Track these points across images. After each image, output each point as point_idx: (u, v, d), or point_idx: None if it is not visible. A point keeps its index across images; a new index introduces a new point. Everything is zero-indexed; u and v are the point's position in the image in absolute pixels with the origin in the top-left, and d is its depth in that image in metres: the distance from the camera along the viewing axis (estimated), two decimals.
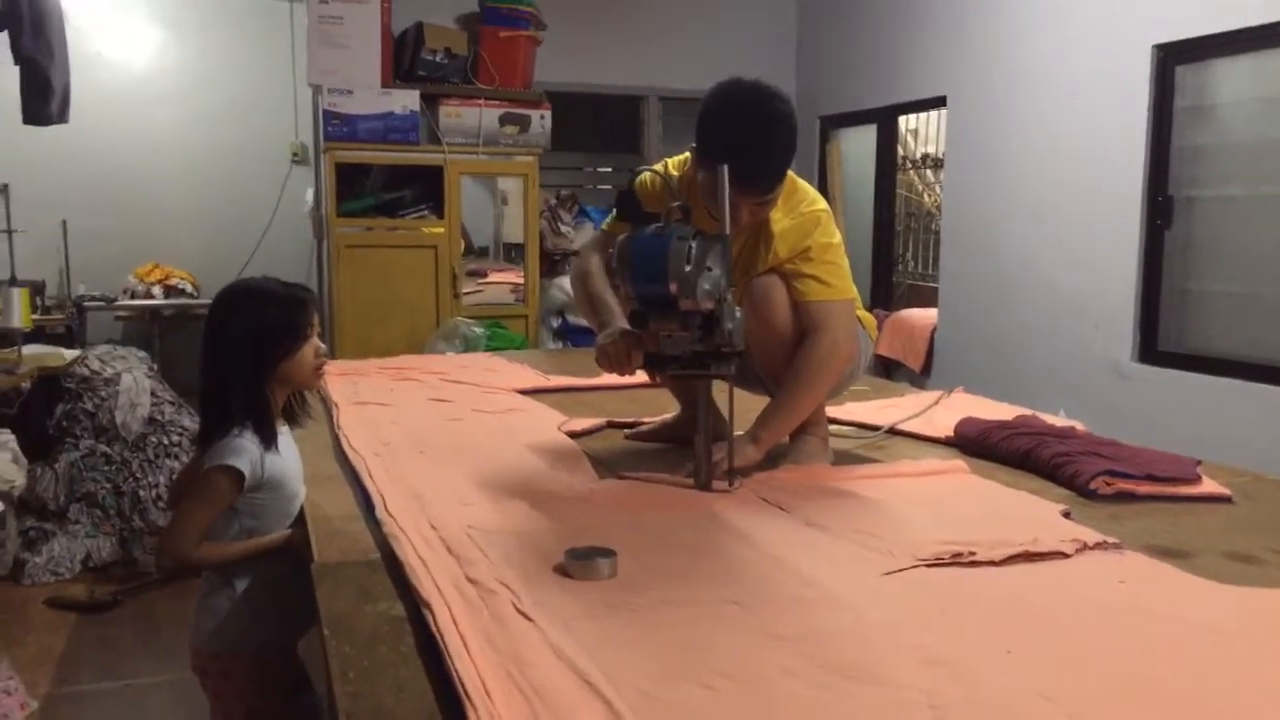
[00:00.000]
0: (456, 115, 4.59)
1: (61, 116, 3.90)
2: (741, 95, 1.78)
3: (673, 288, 1.57)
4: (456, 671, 0.97)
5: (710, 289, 1.58)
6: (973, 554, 1.40)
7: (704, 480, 1.73)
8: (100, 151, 5.46)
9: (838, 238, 1.94)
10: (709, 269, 1.58)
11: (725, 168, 1.64)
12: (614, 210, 2.09)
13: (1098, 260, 4.18)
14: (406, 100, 4.49)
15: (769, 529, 1.53)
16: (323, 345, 1.75)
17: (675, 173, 1.96)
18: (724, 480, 1.74)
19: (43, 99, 3.73)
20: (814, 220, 1.90)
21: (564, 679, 0.97)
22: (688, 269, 1.56)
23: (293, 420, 1.81)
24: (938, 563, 1.37)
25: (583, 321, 4.92)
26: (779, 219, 1.88)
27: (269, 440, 1.65)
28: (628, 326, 1.80)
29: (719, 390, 1.79)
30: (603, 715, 0.90)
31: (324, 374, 1.78)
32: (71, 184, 5.36)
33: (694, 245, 1.57)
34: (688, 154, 1.99)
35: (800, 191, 1.92)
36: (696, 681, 0.99)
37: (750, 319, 1.81)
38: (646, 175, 1.88)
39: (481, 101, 4.64)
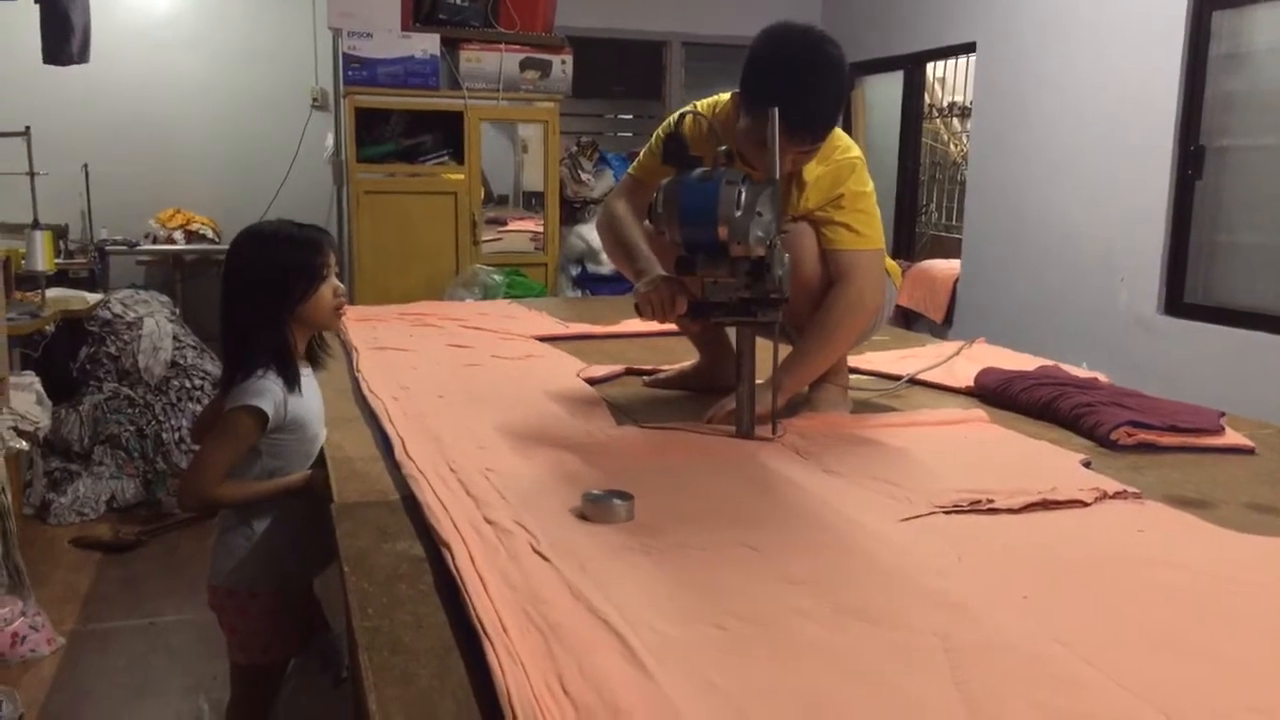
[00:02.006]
0: (477, 60, 4.54)
1: (82, 56, 3.87)
2: (794, 40, 1.73)
3: (722, 232, 1.54)
4: (474, 608, 0.98)
5: (762, 234, 1.56)
6: (991, 502, 1.39)
7: (746, 428, 1.71)
8: (121, 96, 5.46)
9: (870, 186, 1.91)
10: (759, 214, 1.55)
11: (775, 111, 1.60)
12: (642, 156, 2.06)
13: (1125, 211, 4.12)
14: (427, 44, 4.44)
15: (786, 475, 1.52)
16: (341, 285, 1.74)
17: (708, 115, 1.92)
18: (767, 427, 1.72)
19: (62, 38, 3.70)
20: (849, 167, 1.86)
21: (580, 617, 0.97)
22: (738, 214, 1.53)
23: (315, 362, 1.82)
24: (956, 510, 1.37)
25: (602, 270, 4.91)
26: (812, 166, 1.85)
27: (292, 381, 1.65)
28: (665, 273, 1.78)
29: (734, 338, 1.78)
30: (618, 652, 0.90)
31: (344, 315, 1.78)
32: (92, 128, 5.37)
33: (744, 190, 1.54)
34: (719, 98, 1.95)
35: (835, 138, 1.88)
36: (711, 622, 0.99)
37: None
38: (690, 118, 1.84)
39: (502, 46, 4.58)
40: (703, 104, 1.96)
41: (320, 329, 1.78)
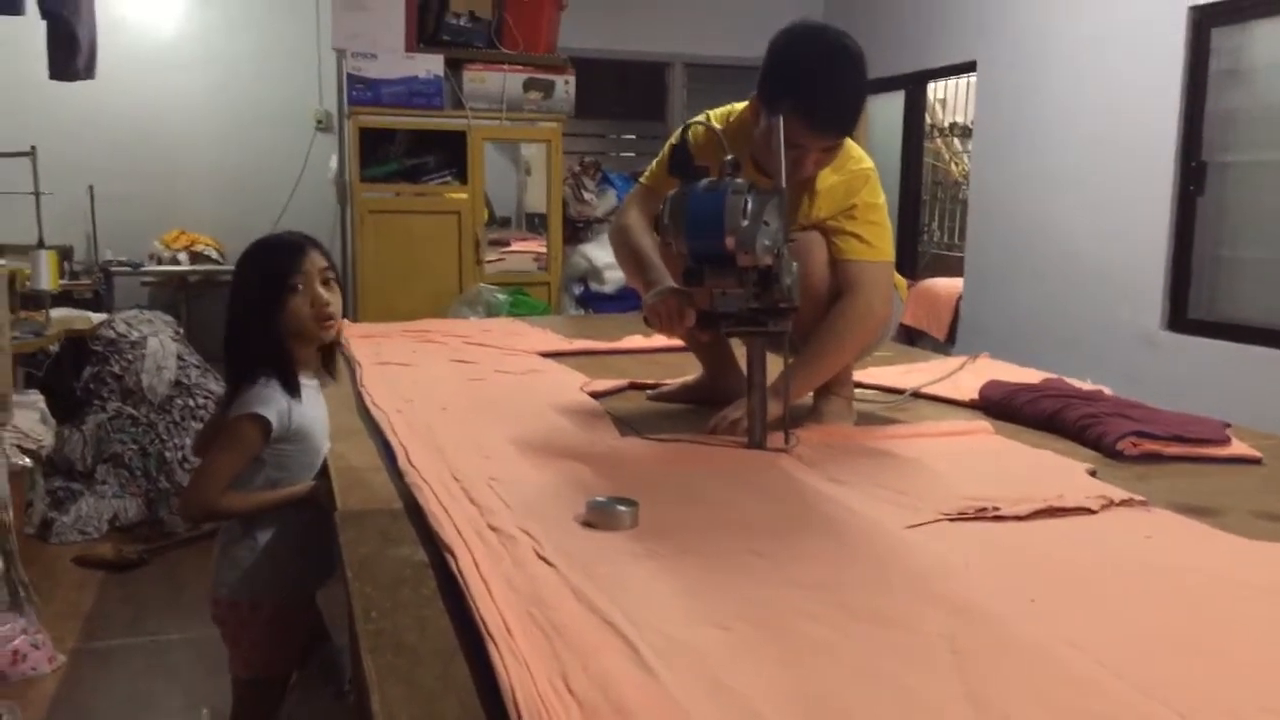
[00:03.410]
0: (480, 80, 4.57)
1: (88, 72, 3.90)
2: (816, 35, 1.73)
3: (729, 242, 1.53)
4: (478, 610, 0.97)
5: (769, 244, 1.55)
6: (997, 509, 1.38)
7: (759, 439, 1.70)
8: (125, 116, 5.49)
9: (883, 199, 1.90)
10: (766, 223, 1.54)
11: (781, 119, 1.60)
12: (653, 165, 2.06)
13: (1128, 228, 4.12)
14: (430, 65, 4.46)
15: (791, 484, 1.52)
16: (323, 295, 1.69)
17: (718, 125, 1.91)
18: (778, 437, 1.71)
19: (69, 54, 3.73)
20: (863, 178, 1.86)
21: (585, 620, 0.97)
22: (745, 223, 1.52)
23: (330, 372, 1.81)
24: (961, 517, 1.36)
25: (605, 289, 4.92)
26: (827, 174, 1.84)
27: (293, 390, 1.65)
28: (674, 285, 1.77)
29: (737, 347, 1.76)
30: (623, 654, 0.89)
31: (332, 326, 1.72)
32: (97, 148, 5.40)
33: (750, 199, 1.53)
34: (733, 107, 1.95)
35: (849, 148, 1.87)
36: (716, 625, 0.98)
37: None
38: (696, 128, 1.83)
39: (505, 66, 4.61)
40: (715, 113, 1.96)
41: (307, 340, 1.72)
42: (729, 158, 1.61)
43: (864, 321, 1.86)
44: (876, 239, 1.86)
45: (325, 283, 1.68)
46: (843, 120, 1.72)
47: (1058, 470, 1.64)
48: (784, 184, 1.59)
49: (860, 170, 1.86)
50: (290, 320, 1.66)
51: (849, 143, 1.87)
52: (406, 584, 1.11)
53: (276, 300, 1.64)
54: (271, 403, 1.61)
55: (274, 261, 1.67)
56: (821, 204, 1.85)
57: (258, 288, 1.66)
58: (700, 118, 1.91)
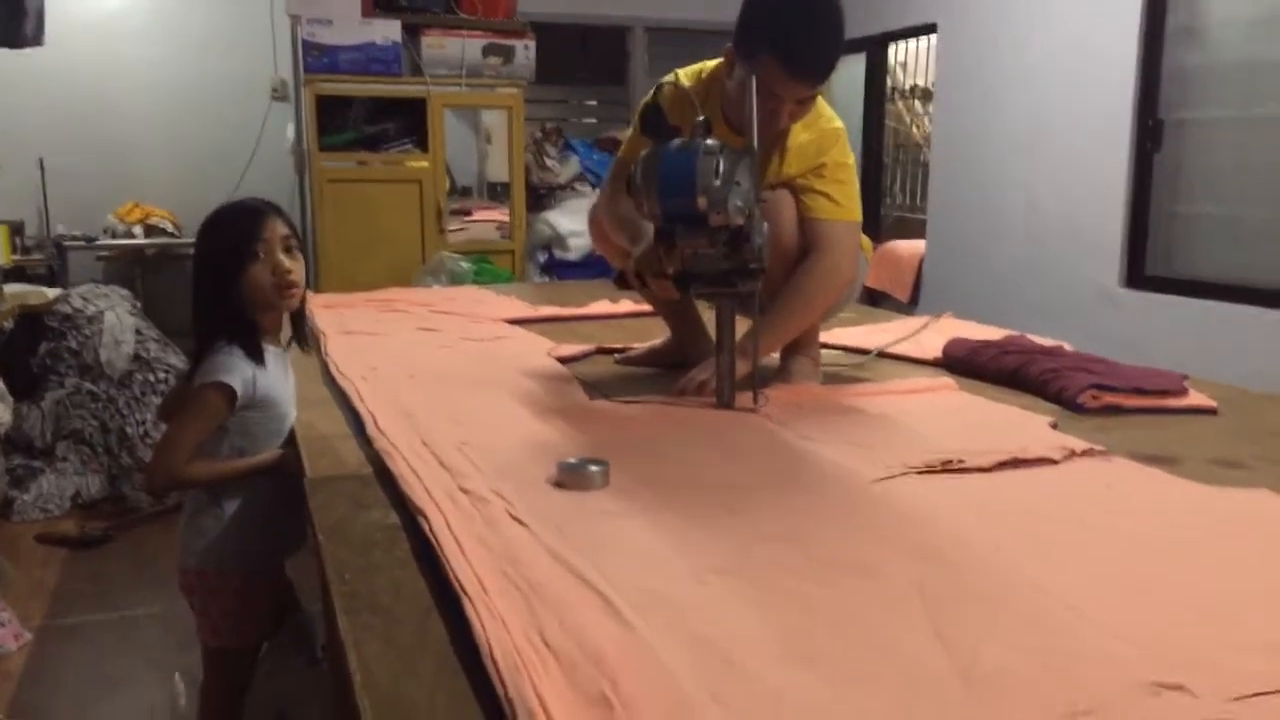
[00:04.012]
0: (439, 46, 4.51)
1: (36, 39, 3.80)
2: None
3: (701, 203, 1.53)
4: (452, 570, 0.97)
5: (741, 204, 1.55)
6: (962, 462, 1.40)
7: (727, 399, 1.71)
8: (76, 87, 5.37)
9: (852, 159, 1.91)
10: (738, 183, 1.54)
11: (753, 79, 1.59)
12: (628, 134, 2.05)
13: (1086, 186, 4.17)
14: (387, 30, 4.40)
15: (759, 442, 1.53)
16: (284, 263, 1.65)
17: (687, 84, 1.89)
18: (746, 397, 1.71)
19: (15, 19, 3.63)
20: (833, 136, 1.86)
21: (560, 577, 0.97)
22: (717, 184, 1.52)
23: (301, 341, 1.80)
24: (928, 470, 1.38)
25: (569, 256, 4.90)
26: (798, 131, 1.83)
27: (256, 358, 1.63)
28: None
29: (704, 310, 1.76)
30: (598, 608, 0.90)
31: (294, 294, 1.69)
32: (47, 121, 5.28)
33: (721, 159, 1.53)
34: (705, 64, 1.93)
35: (820, 106, 1.87)
36: (690, 578, 0.99)
37: None
38: (667, 88, 1.82)
39: (464, 32, 4.56)
40: (686, 71, 1.94)
41: (267, 308, 1.69)
42: (700, 118, 1.61)
43: (830, 280, 1.86)
44: (845, 198, 1.87)
45: (287, 250, 1.66)
46: (821, 68, 1.72)
47: (1020, 423, 1.66)
48: (755, 139, 1.59)
49: (831, 129, 1.87)
50: (251, 288, 1.63)
51: (820, 101, 1.87)
52: (379, 546, 1.11)
53: (238, 268, 1.62)
54: (235, 370, 1.60)
55: (235, 228, 1.64)
56: (792, 161, 1.85)
57: (219, 255, 1.63)
58: (670, 77, 1.90)
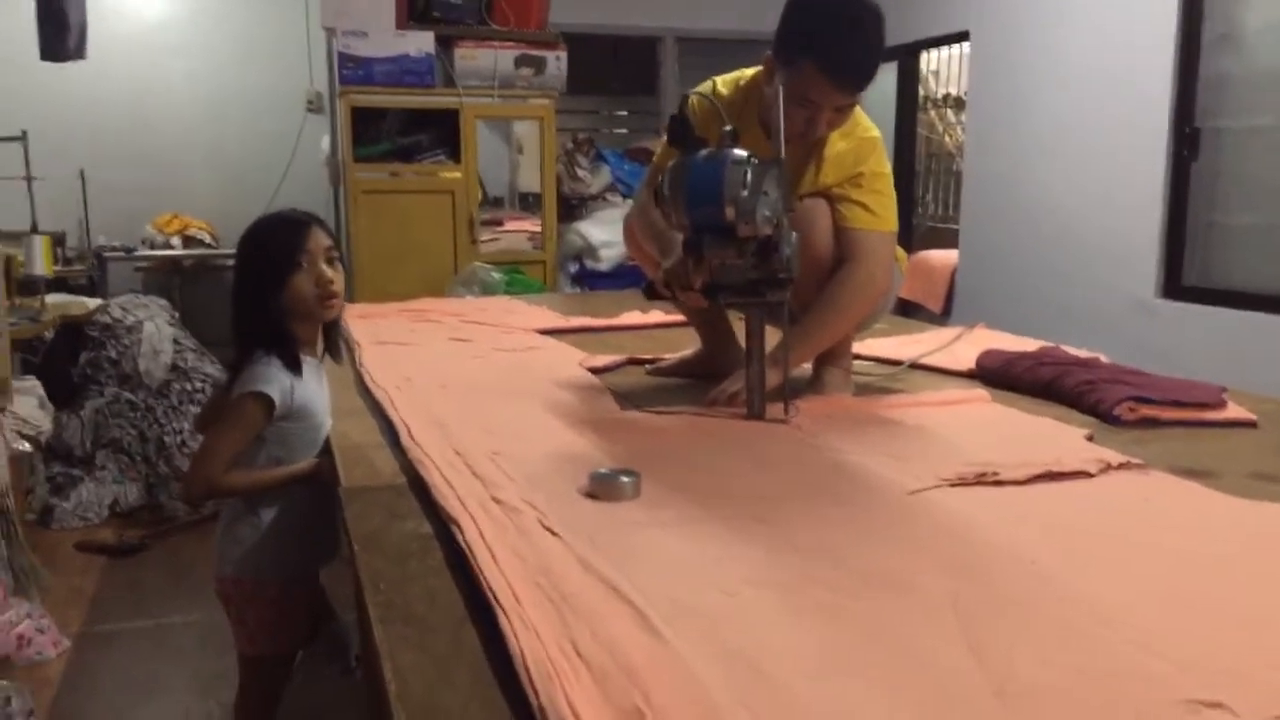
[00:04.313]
0: (471, 58, 4.54)
1: (79, 52, 3.89)
2: None
3: (729, 213, 1.54)
4: (485, 580, 0.98)
5: (769, 214, 1.55)
6: (996, 474, 1.39)
7: (758, 409, 1.71)
8: (115, 101, 5.47)
9: (888, 168, 1.91)
10: (765, 193, 1.54)
11: (781, 89, 1.60)
12: (660, 146, 2.06)
13: (1122, 196, 4.12)
14: (421, 42, 4.44)
15: (792, 452, 1.53)
16: (328, 274, 1.69)
17: (724, 91, 1.90)
18: (778, 408, 1.71)
19: (59, 34, 3.72)
20: (871, 145, 1.86)
21: (592, 588, 0.98)
22: (744, 194, 1.52)
23: (333, 352, 1.81)
24: (961, 482, 1.37)
25: (600, 266, 4.91)
26: (835, 140, 1.83)
27: (294, 368, 1.65)
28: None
29: (735, 320, 1.76)
30: (630, 619, 0.90)
31: (335, 305, 1.72)
32: (88, 133, 5.38)
33: (749, 169, 1.53)
34: (742, 72, 1.94)
35: (858, 115, 1.87)
36: (722, 590, 0.99)
37: None
38: (694, 99, 1.82)
39: (496, 43, 4.58)
40: (724, 79, 1.94)
41: (307, 318, 1.73)
42: (728, 128, 1.61)
43: (865, 291, 1.86)
44: (881, 208, 1.86)
45: (329, 261, 1.69)
46: (862, 76, 1.71)
47: (1055, 435, 1.65)
48: (783, 146, 1.59)
49: (869, 138, 1.87)
50: (293, 298, 1.66)
51: (858, 109, 1.86)
52: (413, 556, 1.12)
53: (281, 278, 1.64)
54: (274, 380, 1.62)
55: (278, 239, 1.67)
56: (829, 170, 1.84)
57: (262, 265, 1.66)
58: (705, 85, 1.90)
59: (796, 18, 1.72)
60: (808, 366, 1.98)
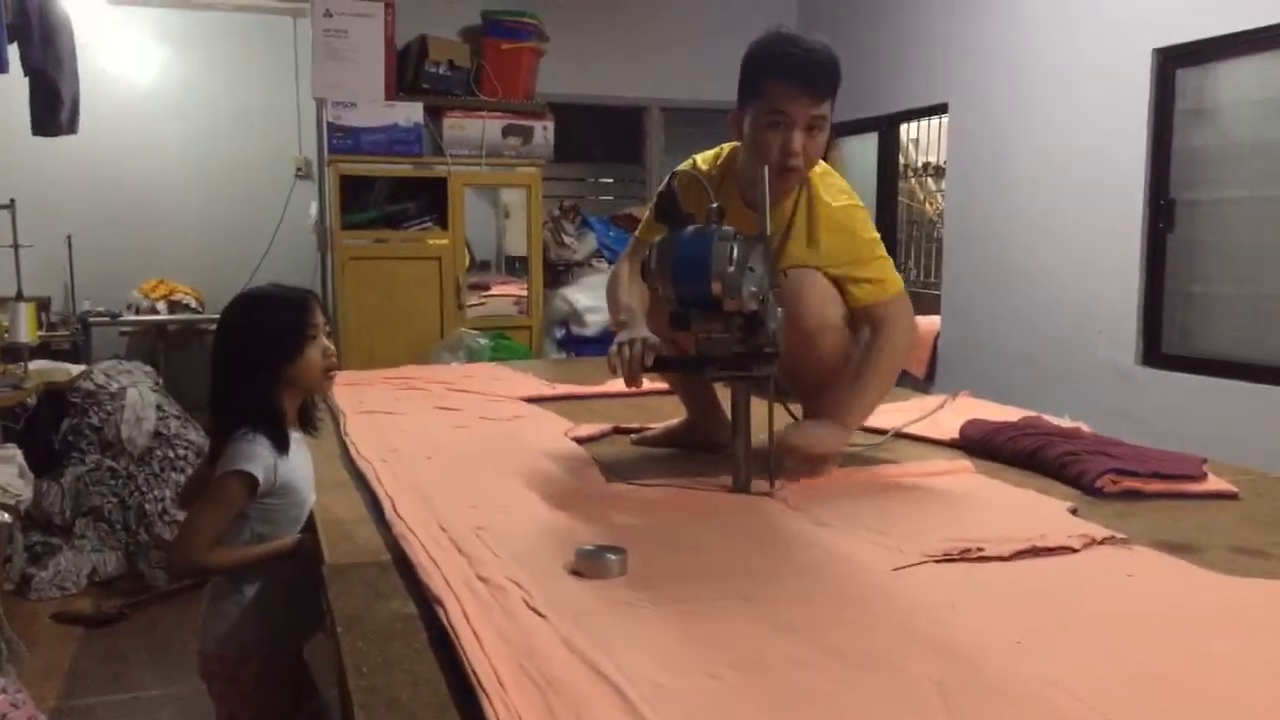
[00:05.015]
0: (460, 127, 4.61)
1: (71, 127, 3.93)
2: (777, 28, 1.83)
3: (716, 288, 1.57)
4: (469, 664, 0.98)
5: (755, 289, 1.59)
6: (981, 550, 1.40)
7: (743, 483, 1.72)
8: (104, 167, 5.49)
9: (876, 231, 1.98)
10: (751, 269, 1.58)
11: (765, 169, 1.65)
12: (645, 217, 2.09)
13: (1100, 264, 4.18)
14: (410, 112, 4.51)
15: (777, 528, 1.53)
16: (331, 347, 1.74)
17: (704, 168, 1.96)
18: (763, 483, 1.72)
19: (51, 110, 3.76)
20: (860, 213, 1.93)
21: (576, 671, 0.97)
22: (731, 269, 1.56)
23: (309, 425, 1.82)
24: (946, 558, 1.38)
25: (586, 331, 4.94)
26: (822, 196, 1.90)
27: (281, 445, 1.65)
28: (644, 332, 1.77)
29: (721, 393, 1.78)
30: (615, 705, 0.90)
31: (335, 378, 1.78)
32: (76, 199, 5.39)
33: (735, 245, 1.57)
34: (721, 148, 1.99)
35: (829, 172, 1.95)
36: (706, 673, 0.99)
37: None
38: (681, 175, 1.87)
39: (484, 113, 4.66)
40: (703, 156, 2.02)
41: (310, 391, 1.77)
42: (714, 205, 1.65)
43: (901, 351, 1.94)
44: (885, 273, 1.94)
45: (327, 335, 1.73)
46: (824, 76, 1.77)
47: (1039, 509, 1.66)
48: (768, 225, 1.63)
49: (854, 205, 1.94)
50: (303, 371, 1.68)
51: (827, 167, 1.92)
52: (397, 638, 1.11)
53: (292, 352, 1.66)
54: (258, 459, 1.62)
55: (285, 315, 1.69)
56: (829, 249, 1.90)
57: (267, 340, 1.67)
58: (687, 164, 1.95)
59: (748, 62, 1.82)
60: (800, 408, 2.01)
